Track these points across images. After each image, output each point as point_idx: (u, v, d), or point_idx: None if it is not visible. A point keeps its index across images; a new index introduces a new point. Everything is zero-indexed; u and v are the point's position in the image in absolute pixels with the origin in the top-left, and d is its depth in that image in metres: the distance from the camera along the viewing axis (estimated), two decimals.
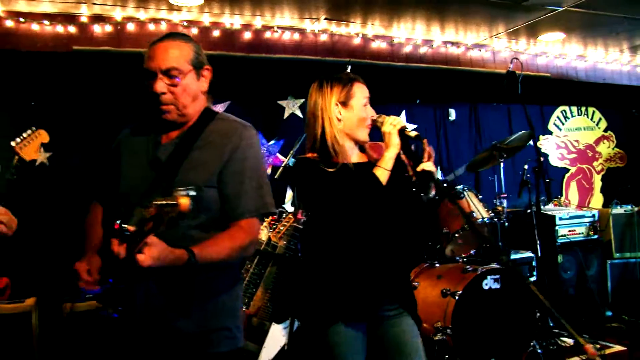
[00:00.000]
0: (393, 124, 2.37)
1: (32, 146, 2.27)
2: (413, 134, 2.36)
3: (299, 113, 5.22)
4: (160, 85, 1.89)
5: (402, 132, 2.36)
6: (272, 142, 5.10)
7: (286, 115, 5.22)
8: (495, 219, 4.32)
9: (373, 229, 2.33)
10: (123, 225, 1.73)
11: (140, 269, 1.61)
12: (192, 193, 1.45)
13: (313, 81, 4.84)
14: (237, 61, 4.39)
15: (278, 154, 5.11)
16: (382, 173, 2.31)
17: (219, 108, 4.64)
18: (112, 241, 1.75)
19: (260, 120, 5.01)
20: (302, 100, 5.17)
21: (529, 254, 5.04)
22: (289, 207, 4.80)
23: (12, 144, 2.22)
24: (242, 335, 2.02)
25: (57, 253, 4.11)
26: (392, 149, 2.35)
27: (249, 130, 2.01)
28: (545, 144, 6.58)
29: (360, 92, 2.40)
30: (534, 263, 5.05)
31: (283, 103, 5.20)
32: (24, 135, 2.28)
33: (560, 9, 4.53)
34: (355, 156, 2.43)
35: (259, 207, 1.97)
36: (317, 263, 2.39)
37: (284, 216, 3.79)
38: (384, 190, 2.30)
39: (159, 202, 1.45)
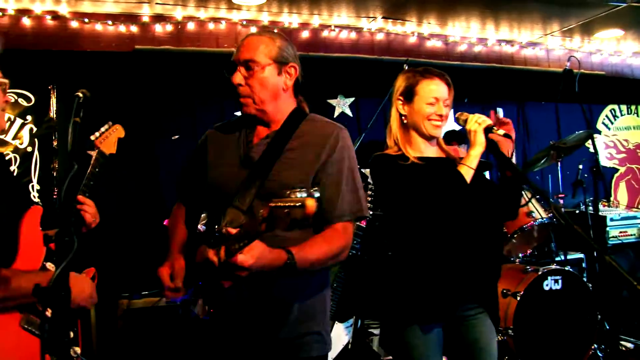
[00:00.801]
0: (478, 122, 2.33)
1: (110, 140, 2.29)
2: (501, 132, 2.31)
3: (348, 112, 5.20)
4: (237, 76, 1.87)
5: (488, 130, 2.33)
6: None
7: (336, 114, 5.20)
8: (554, 220, 4.27)
9: (455, 228, 2.29)
10: (225, 227, 1.68)
11: (238, 272, 1.58)
12: (317, 195, 1.35)
13: (366, 80, 4.85)
14: None
15: None
16: (467, 171, 2.27)
17: None
18: (202, 244, 1.73)
19: None
20: (352, 99, 5.16)
21: (578, 255, 4.96)
22: None
23: (92, 137, 2.23)
24: (330, 339, 1.97)
25: (114, 250, 4.17)
26: (478, 147, 2.30)
27: (344, 132, 1.94)
28: None
29: (426, 90, 2.32)
30: (583, 264, 4.97)
31: (333, 102, 5.18)
32: (102, 129, 2.29)
33: (624, 5, 4.45)
34: (431, 151, 2.40)
35: (354, 211, 1.90)
36: (395, 262, 2.36)
37: None
38: (468, 188, 2.27)
39: (279, 204, 1.36)
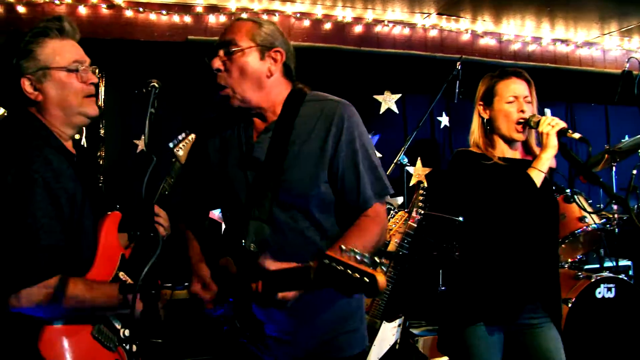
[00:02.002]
0: (551, 124, 2.27)
1: (186, 150, 2.23)
2: (576, 136, 2.25)
3: (394, 108, 5.12)
4: (217, 61, 1.73)
5: (562, 133, 2.26)
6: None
7: (382, 110, 5.12)
8: (607, 226, 4.15)
9: (524, 231, 2.25)
10: (252, 244, 1.64)
11: (278, 307, 1.52)
12: (385, 267, 1.20)
13: (416, 76, 4.79)
14: (347, 55, 4.37)
15: None
16: (537, 175, 2.22)
17: None
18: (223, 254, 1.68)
19: None
20: (399, 96, 5.09)
21: (625, 262, 4.83)
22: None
23: (170, 145, 2.19)
24: (366, 334, 1.89)
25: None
26: (550, 151, 2.25)
27: (347, 108, 1.77)
28: None
29: (504, 90, 2.31)
30: (630, 272, 4.85)
31: (379, 98, 5.10)
32: (180, 137, 2.24)
33: None
34: (509, 152, 2.36)
35: (378, 191, 1.78)
36: (463, 262, 2.36)
37: (392, 212, 3.73)
38: (538, 192, 2.21)
39: (338, 267, 1.18)
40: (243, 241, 1.69)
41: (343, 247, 1.25)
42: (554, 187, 2.56)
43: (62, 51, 1.72)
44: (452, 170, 2.38)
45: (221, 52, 1.74)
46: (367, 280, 1.13)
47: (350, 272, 1.16)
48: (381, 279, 1.14)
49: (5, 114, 2.24)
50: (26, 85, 1.66)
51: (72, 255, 1.63)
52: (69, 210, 1.62)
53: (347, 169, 1.74)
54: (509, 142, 2.35)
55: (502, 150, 2.35)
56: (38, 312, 1.55)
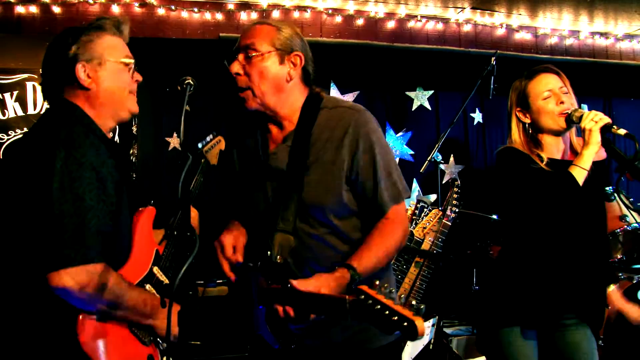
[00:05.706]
0: (594, 119, 2.19)
1: (214, 151, 2.26)
2: (622, 131, 2.16)
3: (427, 105, 5.06)
4: (235, 65, 1.75)
5: (606, 129, 2.18)
6: (400, 133, 4.98)
7: (414, 107, 5.06)
8: None
9: (569, 234, 2.17)
10: (280, 257, 1.65)
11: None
12: (423, 308, 1.16)
13: (449, 72, 4.72)
14: (379, 51, 4.32)
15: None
16: (580, 172, 2.13)
17: (349, 98, 4.57)
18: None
19: (387, 111, 4.92)
20: (431, 92, 5.02)
21: None
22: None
23: (199, 145, 2.20)
24: None
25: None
26: (592, 147, 2.16)
27: (362, 115, 1.79)
28: None
29: (537, 87, 2.24)
30: None
31: (412, 94, 5.04)
32: (208, 138, 2.26)
33: None
34: (558, 150, 2.29)
35: (396, 196, 1.81)
36: (502, 263, 2.31)
37: (426, 210, 3.68)
38: (580, 191, 2.13)
39: (375, 307, 1.18)
40: (269, 252, 1.70)
41: (378, 282, 1.25)
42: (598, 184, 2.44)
43: (118, 46, 1.75)
44: (501, 169, 2.31)
45: (240, 57, 1.76)
46: (406, 325, 1.13)
47: (387, 313, 1.16)
48: (420, 326, 1.13)
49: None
50: (81, 72, 1.67)
51: (112, 244, 1.63)
52: (113, 197, 1.62)
53: (366, 178, 1.76)
54: (558, 134, 2.27)
55: (552, 150, 2.27)
56: (77, 296, 1.52)
